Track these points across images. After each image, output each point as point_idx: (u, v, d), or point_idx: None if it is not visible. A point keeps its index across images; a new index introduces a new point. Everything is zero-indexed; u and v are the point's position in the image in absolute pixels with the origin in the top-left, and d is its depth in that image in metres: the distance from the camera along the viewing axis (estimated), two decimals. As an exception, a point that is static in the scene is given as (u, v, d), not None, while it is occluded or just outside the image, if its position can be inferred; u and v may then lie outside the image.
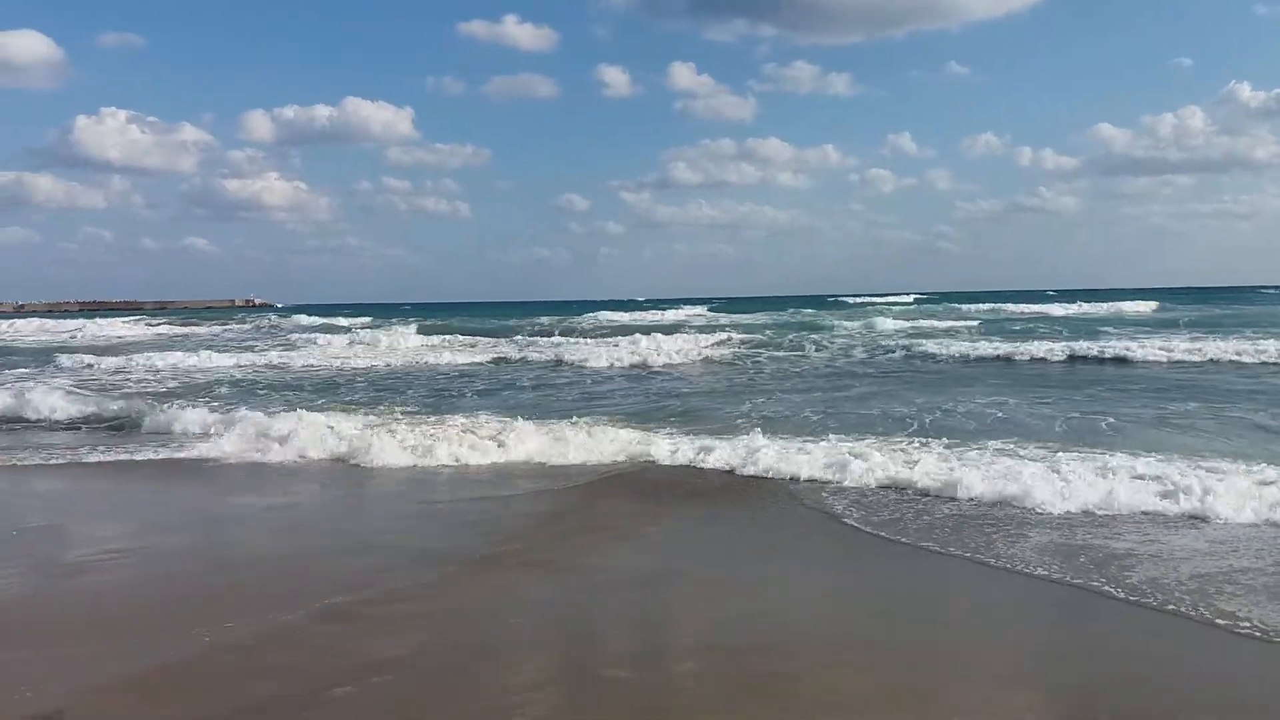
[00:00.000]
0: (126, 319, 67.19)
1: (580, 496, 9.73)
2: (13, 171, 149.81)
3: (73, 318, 78.39)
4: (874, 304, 71.91)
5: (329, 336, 39.94)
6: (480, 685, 4.94)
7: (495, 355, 28.81)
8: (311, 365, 27.58)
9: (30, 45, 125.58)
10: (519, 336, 36.09)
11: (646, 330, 38.94)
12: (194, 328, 56.29)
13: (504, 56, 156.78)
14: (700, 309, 66.20)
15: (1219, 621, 5.60)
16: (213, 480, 11.01)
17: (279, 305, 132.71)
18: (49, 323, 62.05)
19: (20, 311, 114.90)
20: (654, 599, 6.45)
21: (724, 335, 31.59)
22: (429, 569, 7.12)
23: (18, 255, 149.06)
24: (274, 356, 30.15)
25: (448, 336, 37.59)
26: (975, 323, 41.02)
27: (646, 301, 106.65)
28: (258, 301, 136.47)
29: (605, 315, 57.66)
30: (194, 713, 4.65)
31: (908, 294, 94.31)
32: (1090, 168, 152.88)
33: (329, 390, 20.37)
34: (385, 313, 76.68)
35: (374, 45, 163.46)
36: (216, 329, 54.10)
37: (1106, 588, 6.27)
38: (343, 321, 55.99)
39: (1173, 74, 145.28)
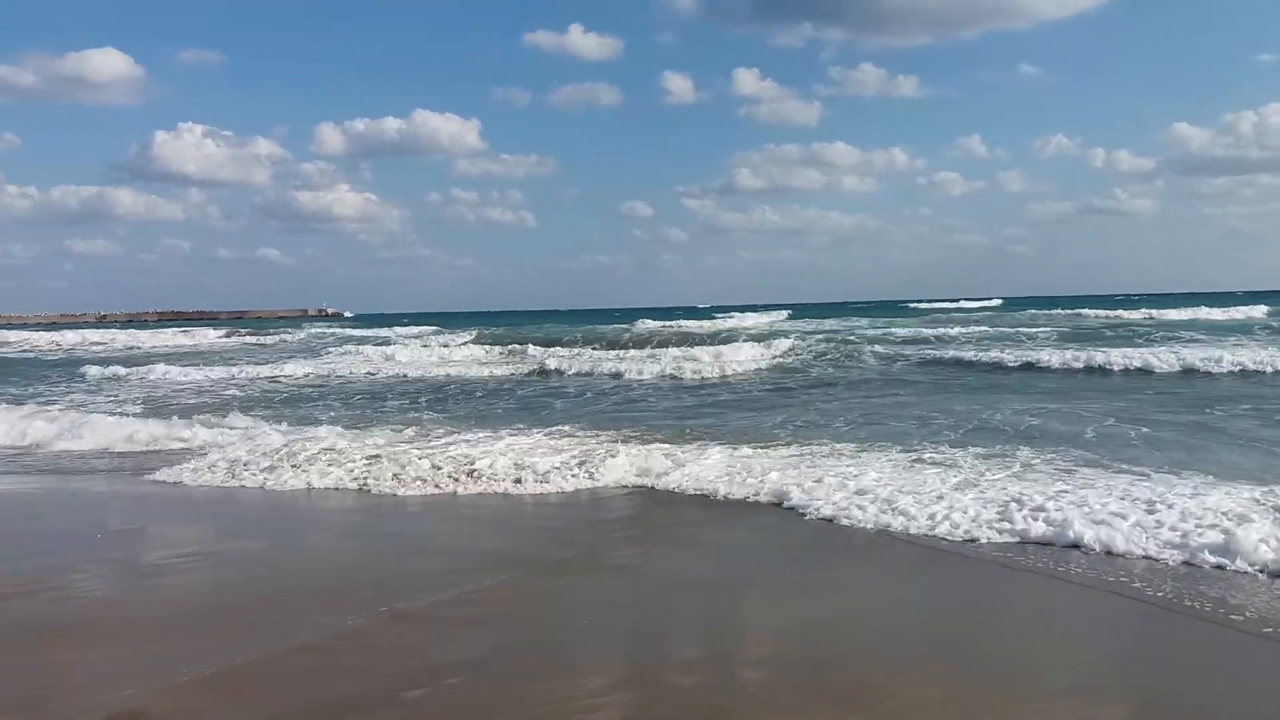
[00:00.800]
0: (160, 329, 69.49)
1: (641, 504, 9.69)
2: (95, 186, 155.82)
3: (151, 328, 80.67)
4: (950, 309, 69.32)
5: (367, 347, 38.53)
6: (550, 688, 4.93)
7: (541, 366, 27.56)
8: (330, 375, 27.53)
9: (111, 63, 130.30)
10: (560, 349, 33.54)
11: (708, 338, 38.62)
12: (243, 337, 57.32)
13: (569, 66, 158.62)
14: (770, 315, 64.81)
15: None
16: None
17: (347, 314, 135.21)
18: (68, 334, 62.89)
19: (102, 321, 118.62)
20: (723, 605, 6.38)
21: (789, 343, 31.01)
22: (499, 572, 7.15)
23: (100, 267, 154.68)
24: (294, 368, 29.62)
25: (499, 347, 35.99)
26: (1065, 328, 38.34)
27: (712, 308, 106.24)
28: (330, 311, 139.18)
29: (667, 323, 57.35)
30: (270, 712, 4.71)
31: (986, 298, 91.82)
32: (1167, 168, 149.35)
33: (369, 403, 20.61)
34: (452, 321, 77.59)
35: (441, 58, 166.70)
36: (268, 339, 54.79)
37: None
38: (389, 332, 55.56)
39: (1253, 70, 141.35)
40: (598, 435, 13.43)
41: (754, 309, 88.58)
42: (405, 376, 26.69)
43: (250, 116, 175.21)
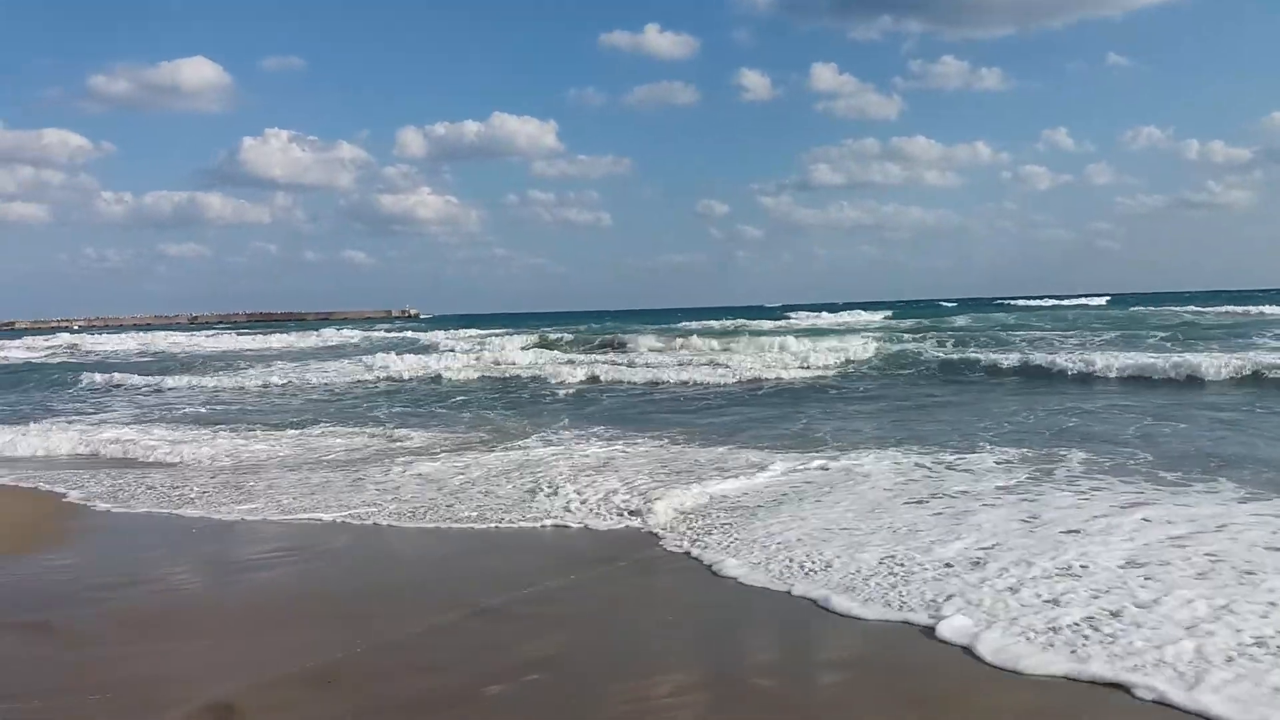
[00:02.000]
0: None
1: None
2: (186, 191, 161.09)
3: (242, 329, 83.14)
4: (1065, 306, 65.39)
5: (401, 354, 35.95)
6: (630, 686, 4.96)
7: (593, 371, 25.49)
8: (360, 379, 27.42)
9: (200, 71, 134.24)
10: (609, 354, 31.99)
11: (775, 336, 38.20)
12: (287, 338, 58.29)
13: (645, 65, 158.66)
14: (868, 315, 62.81)
15: None
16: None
17: (420, 315, 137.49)
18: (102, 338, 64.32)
19: (195, 323, 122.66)
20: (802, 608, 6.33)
21: (872, 344, 30.27)
22: (582, 570, 7.21)
23: (192, 269, 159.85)
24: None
25: (553, 352, 34.34)
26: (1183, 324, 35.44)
27: (782, 306, 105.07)
28: (412, 312, 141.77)
29: (739, 322, 56.73)
30: (357, 706, 4.83)
31: (1083, 295, 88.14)
32: (1265, 158, 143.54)
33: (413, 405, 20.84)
34: (529, 322, 78.27)
35: (519, 61, 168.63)
36: (310, 341, 55.57)
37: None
38: (440, 334, 55.02)
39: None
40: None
41: (832, 308, 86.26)
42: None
43: (334, 121, 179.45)
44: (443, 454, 12.72)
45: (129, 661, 5.58)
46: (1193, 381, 18.45)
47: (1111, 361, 20.47)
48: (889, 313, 64.40)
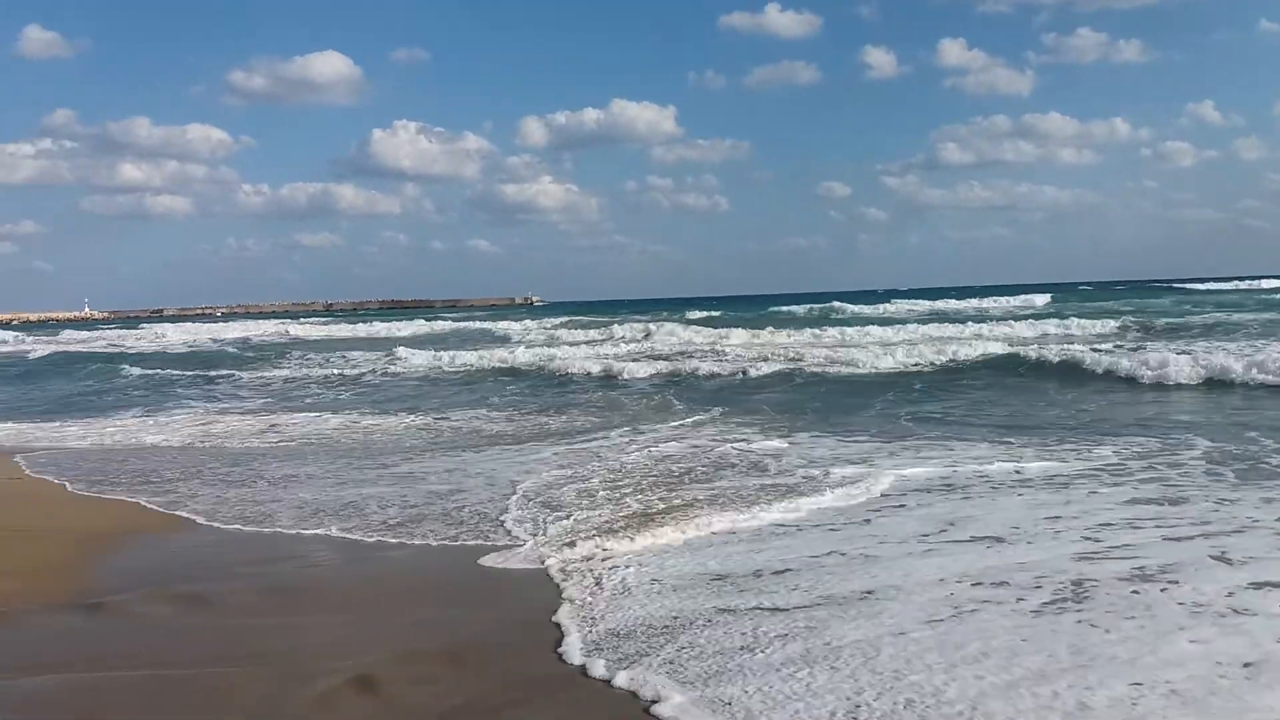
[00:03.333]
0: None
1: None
2: (320, 183, 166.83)
3: (374, 316, 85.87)
4: (1232, 290, 60.43)
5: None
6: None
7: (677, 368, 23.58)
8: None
9: (332, 65, 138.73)
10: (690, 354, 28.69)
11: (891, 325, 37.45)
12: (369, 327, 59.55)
13: (765, 46, 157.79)
14: (993, 299, 59.17)
15: None
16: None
17: (538, 302, 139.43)
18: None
19: (329, 310, 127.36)
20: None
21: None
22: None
23: (327, 259, 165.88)
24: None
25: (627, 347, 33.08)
26: None
27: (911, 291, 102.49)
28: (533, 299, 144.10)
29: (860, 309, 55.60)
30: (494, 682, 4.90)
31: (1249, 279, 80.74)
32: None
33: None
34: (648, 308, 78.42)
35: (638, 46, 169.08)
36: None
37: None
38: (514, 325, 55.48)
39: None
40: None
41: (968, 292, 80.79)
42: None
43: (459, 113, 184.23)
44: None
45: (275, 632, 5.80)
46: None
47: None
48: (1047, 296, 60.88)
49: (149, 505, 9.72)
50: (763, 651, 5.04)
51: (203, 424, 17.09)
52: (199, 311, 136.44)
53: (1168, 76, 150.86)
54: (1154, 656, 4.71)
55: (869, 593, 5.92)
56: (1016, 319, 38.35)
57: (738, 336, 35.19)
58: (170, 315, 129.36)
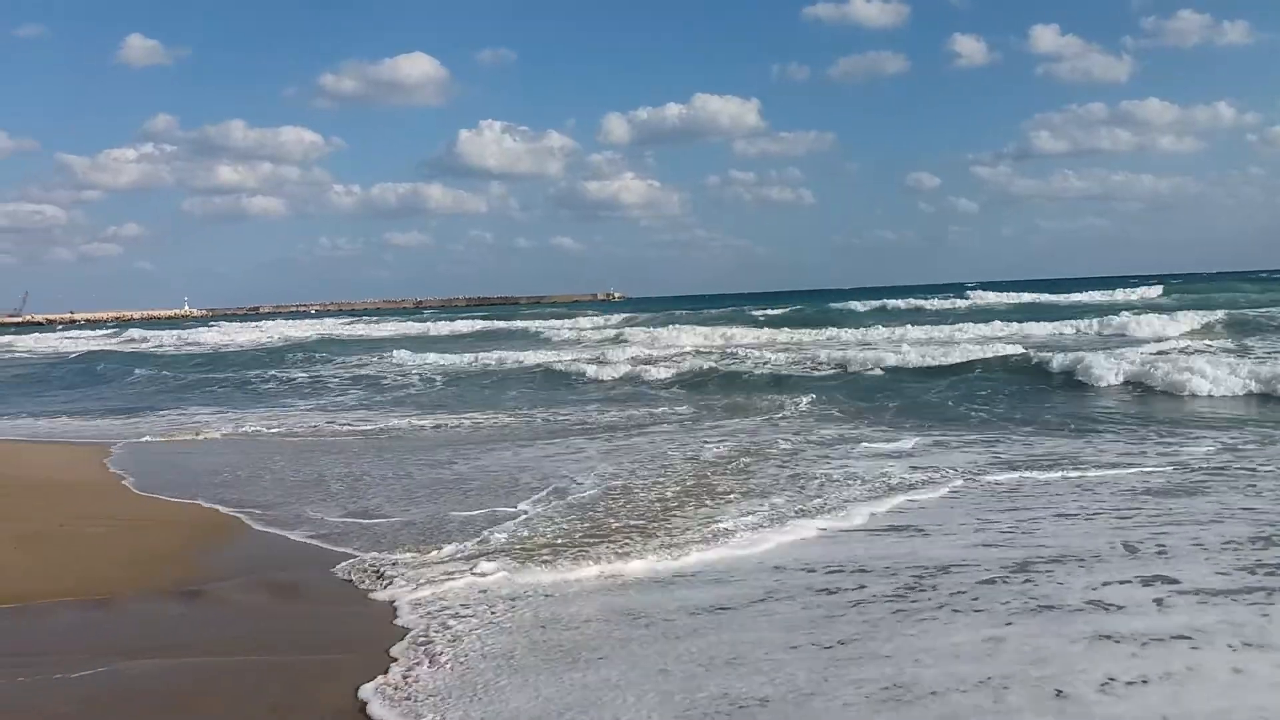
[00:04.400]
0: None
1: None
2: (410, 183, 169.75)
3: (460, 314, 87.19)
4: None
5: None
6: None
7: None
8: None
9: (420, 66, 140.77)
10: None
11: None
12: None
13: (851, 36, 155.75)
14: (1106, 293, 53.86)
15: None
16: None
17: (618, 297, 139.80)
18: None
19: (419, 307, 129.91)
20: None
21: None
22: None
23: (416, 257, 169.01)
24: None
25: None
26: None
27: (1009, 283, 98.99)
28: (615, 295, 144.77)
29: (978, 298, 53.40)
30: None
31: None
32: None
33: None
34: (730, 302, 77.97)
35: (722, 39, 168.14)
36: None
37: None
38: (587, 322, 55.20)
39: None
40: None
41: (1079, 284, 74.02)
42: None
43: (543, 111, 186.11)
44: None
45: (360, 620, 6.02)
46: None
47: None
48: (1158, 288, 56.38)
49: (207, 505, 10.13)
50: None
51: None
52: (293, 309, 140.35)
53: (1276, 59, 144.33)
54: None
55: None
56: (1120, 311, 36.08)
57: (746, 336, 35.49)
58: (266, 313, 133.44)
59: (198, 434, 15.64)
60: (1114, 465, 9.95)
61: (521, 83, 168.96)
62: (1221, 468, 9.60)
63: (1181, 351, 20.65)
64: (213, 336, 58.83)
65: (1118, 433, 12.17)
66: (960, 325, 33.51)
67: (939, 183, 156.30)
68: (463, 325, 59.21)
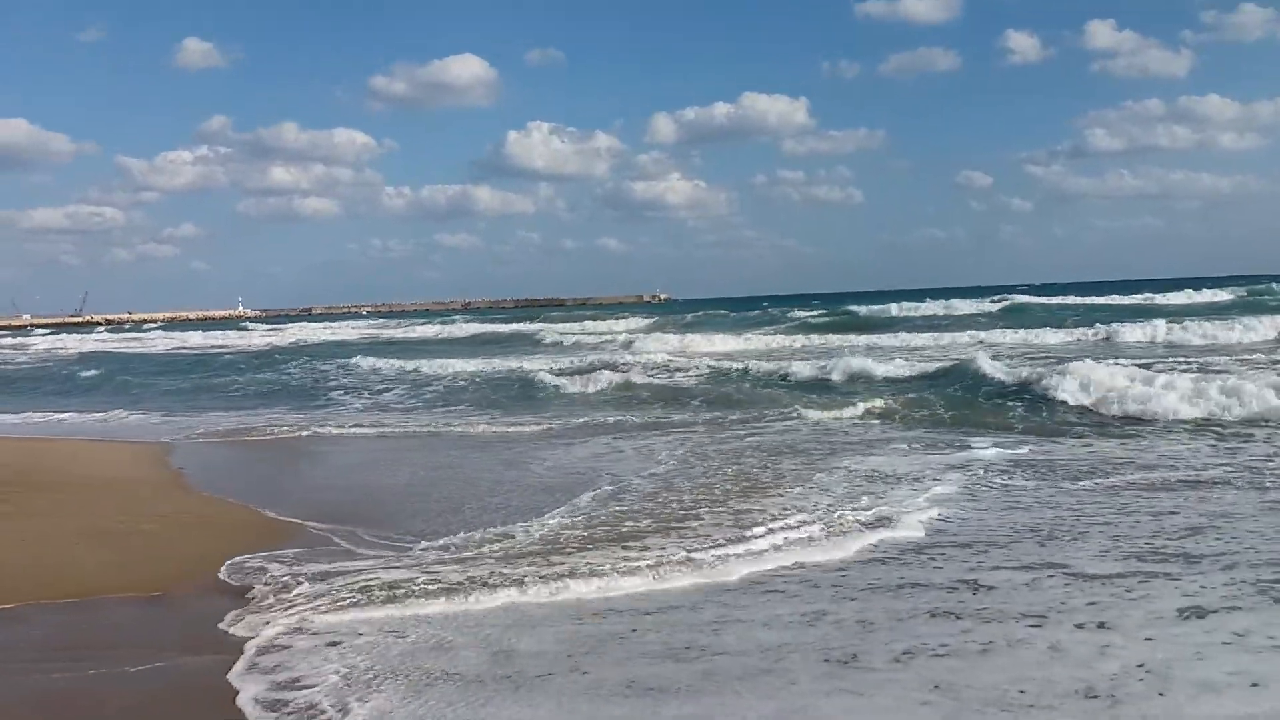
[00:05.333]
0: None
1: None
2: (459, 184, 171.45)
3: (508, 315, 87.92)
4: None
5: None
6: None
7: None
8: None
9: (470, 68, 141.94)
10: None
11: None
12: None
13: (902, 32, 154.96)
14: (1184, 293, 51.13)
15: None
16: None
17: (665, 298, 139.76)
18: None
19: (467, 308, 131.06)
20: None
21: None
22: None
23: (465, 258, 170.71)
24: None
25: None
26: None
27: (1063, 285, 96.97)
28: (661, 296, 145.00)
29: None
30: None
31: None
32: None
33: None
34: (781, 303, 77.79)
35: (770, 38, 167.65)
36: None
37: None
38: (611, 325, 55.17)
39: None
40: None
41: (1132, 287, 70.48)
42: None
43: (590, 111, 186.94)
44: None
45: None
46: None
47: None
48: (1241, 290, 52.03)
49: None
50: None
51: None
52: (345, 309, 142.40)
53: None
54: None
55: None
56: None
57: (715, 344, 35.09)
58: (317, 314, 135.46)
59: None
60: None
61: (569, 84, 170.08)
62: None
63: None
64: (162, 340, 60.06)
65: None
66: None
67: (991, 181, 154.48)
68: (474, 328, 60.48)
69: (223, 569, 7.45)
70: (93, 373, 32.34)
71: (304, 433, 16.25)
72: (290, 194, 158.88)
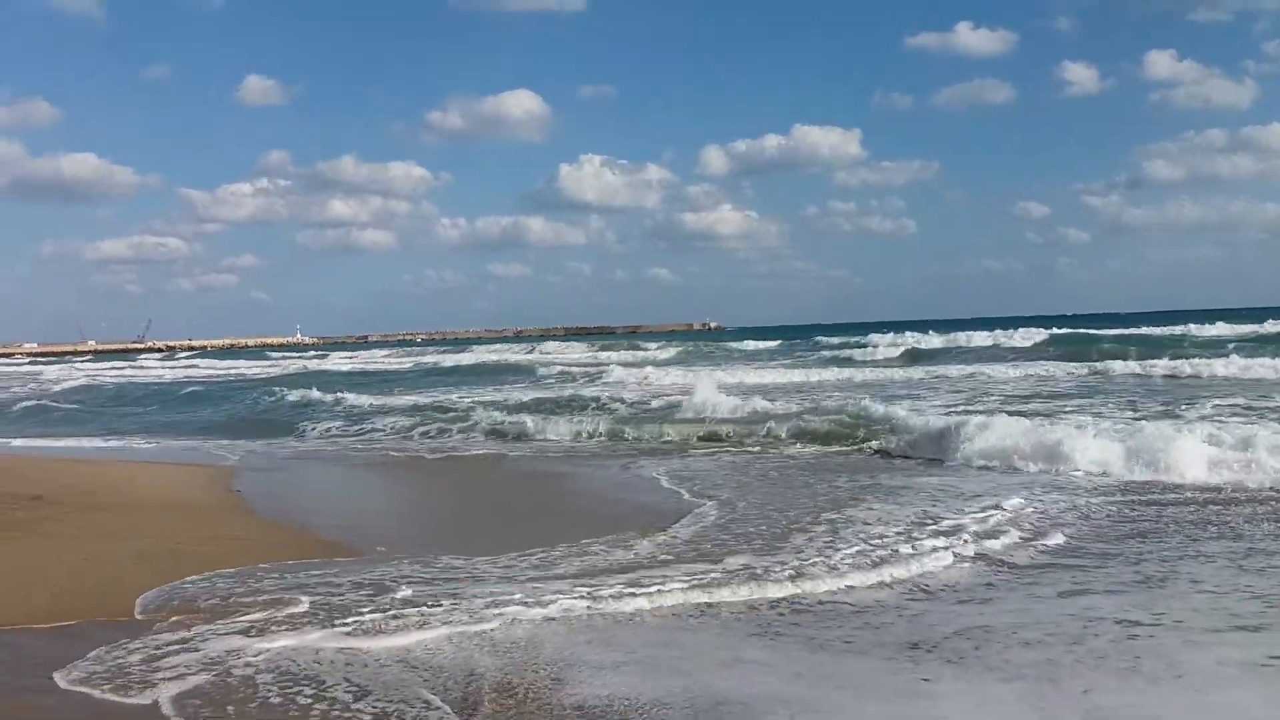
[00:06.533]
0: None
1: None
2: (511, 216, 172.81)
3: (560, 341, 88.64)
4: None
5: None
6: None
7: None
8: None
9: (523, 103, 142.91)
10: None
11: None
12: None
13: (955, 65, 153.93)
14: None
15: None
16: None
17: (715, 327, 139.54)
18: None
19: (519, 336, 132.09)
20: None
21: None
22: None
23: (517, 289, 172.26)
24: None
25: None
26: None
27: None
28: (713, 325, 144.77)
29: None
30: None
31: None
32: None
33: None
34: (831, 332, 76.95)
35: (822, 70, 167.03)
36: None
37: None
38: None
39: None
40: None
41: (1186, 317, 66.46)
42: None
43: (641, 144, 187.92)
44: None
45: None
46: None
47: None
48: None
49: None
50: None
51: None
52: (400, 337, 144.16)
53: None
54: None
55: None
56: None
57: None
58: (374, 341, 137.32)
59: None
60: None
61: (621, 117, 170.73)
62: None
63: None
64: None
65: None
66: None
67: (1048, 211, 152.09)
68: (487, 355, 62.15)
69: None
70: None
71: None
72: (349, 226, 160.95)
